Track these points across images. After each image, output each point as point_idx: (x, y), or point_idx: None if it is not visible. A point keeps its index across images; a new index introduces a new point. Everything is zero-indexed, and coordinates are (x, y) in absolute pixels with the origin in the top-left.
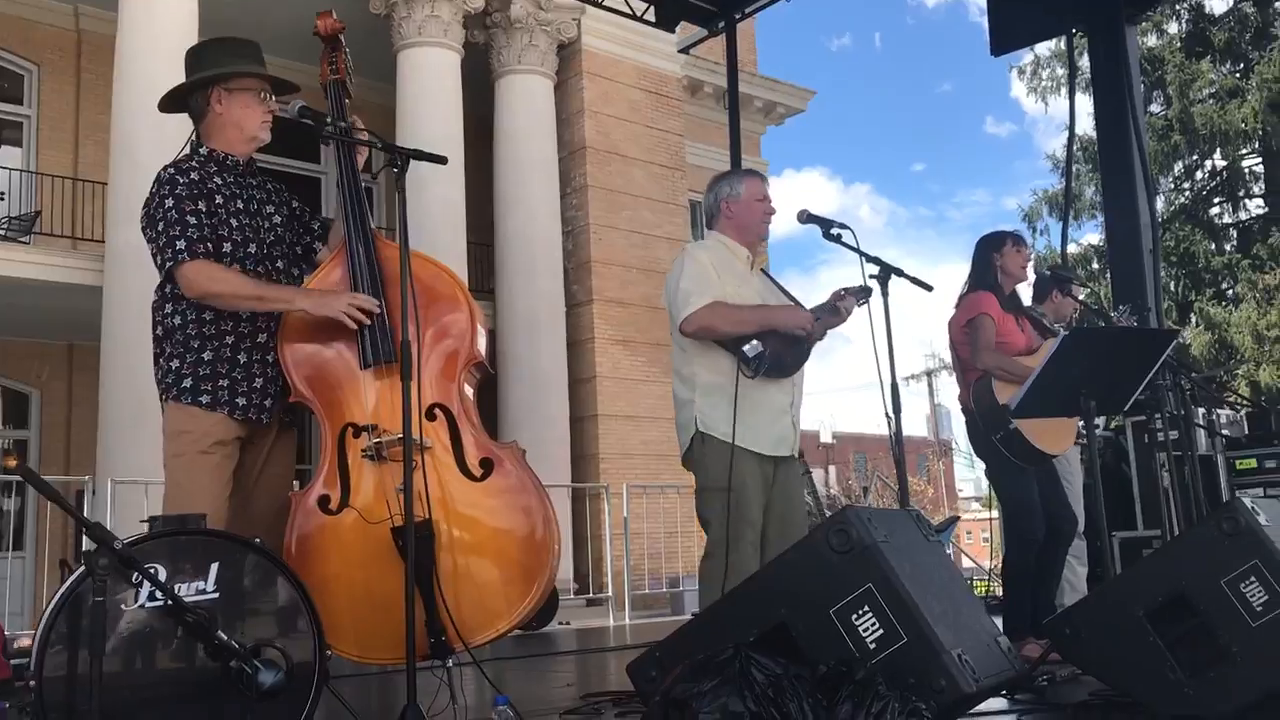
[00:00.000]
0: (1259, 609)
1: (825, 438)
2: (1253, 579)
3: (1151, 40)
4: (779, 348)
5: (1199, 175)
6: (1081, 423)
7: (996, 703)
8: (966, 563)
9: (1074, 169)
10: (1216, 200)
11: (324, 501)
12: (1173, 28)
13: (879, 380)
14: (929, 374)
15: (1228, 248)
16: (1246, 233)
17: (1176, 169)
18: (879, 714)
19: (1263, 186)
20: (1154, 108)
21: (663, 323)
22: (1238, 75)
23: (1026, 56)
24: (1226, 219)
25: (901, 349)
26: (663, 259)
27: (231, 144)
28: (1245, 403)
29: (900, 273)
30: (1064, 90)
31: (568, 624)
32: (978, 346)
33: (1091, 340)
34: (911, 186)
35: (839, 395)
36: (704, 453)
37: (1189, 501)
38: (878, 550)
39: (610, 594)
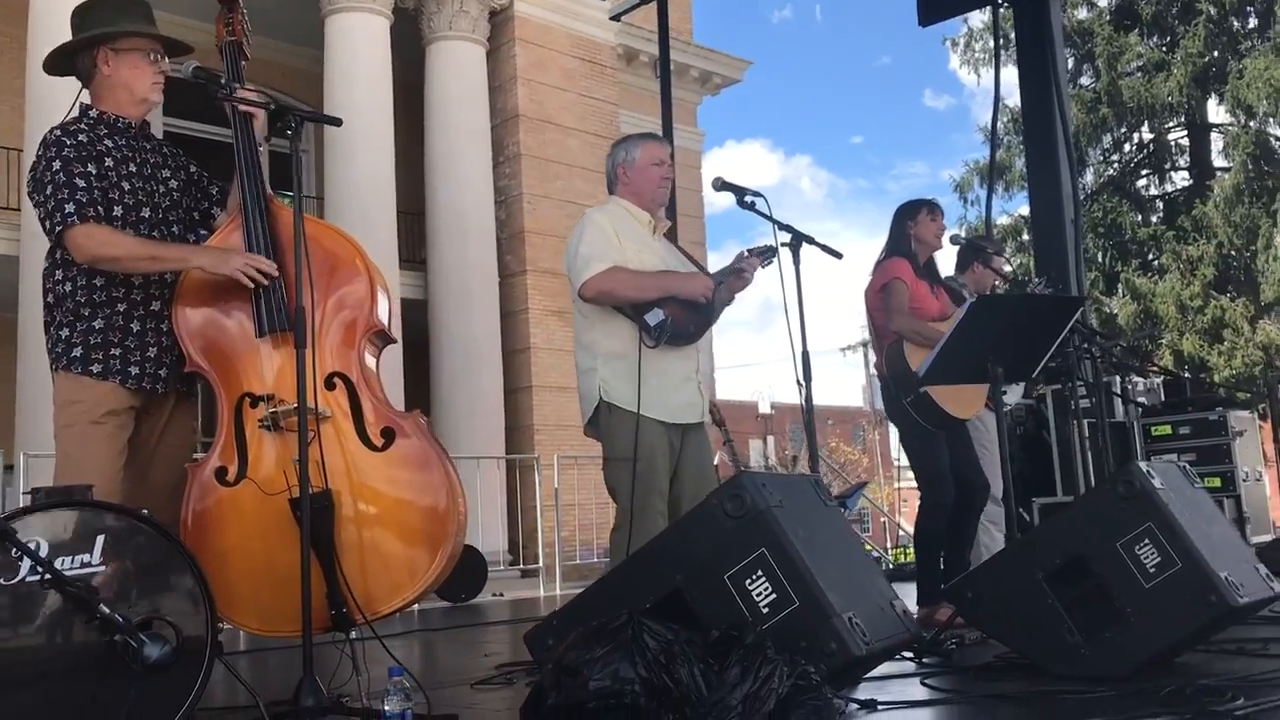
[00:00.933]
0: (1152, 570)
1: (764, 409)
2: (1146, 541)
3: (1082, 13)
4: (681, 314)
5: (1127, 148)
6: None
7: (903, 665)
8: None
9: (1005, 141)
10: (1144, 173)
11: (221, 473)
12: (1103, 0)
13: (790, 349)
14: (865, 344)
15: (1154, 219)
16: (1172, 205)
17: (1105, 141)
18: (767, 677)
19: (1188, 159)
20: (1084, 80)
21: None
22: (1164, 49)
23: (960, 29)
24: (1154, 191)
25: (842, 320)
26: None
27: (121, 106)
28: (1164, 372)
29: (811, 240)
30: (1006, 65)
31: (500, 595)
32: (890, 311)
33: (998, 307)
34: (851, 159)
35: (780, 366)
36: (610, 423)
37: (1103, 467)
38: (771, 515)
39: (542, 565)
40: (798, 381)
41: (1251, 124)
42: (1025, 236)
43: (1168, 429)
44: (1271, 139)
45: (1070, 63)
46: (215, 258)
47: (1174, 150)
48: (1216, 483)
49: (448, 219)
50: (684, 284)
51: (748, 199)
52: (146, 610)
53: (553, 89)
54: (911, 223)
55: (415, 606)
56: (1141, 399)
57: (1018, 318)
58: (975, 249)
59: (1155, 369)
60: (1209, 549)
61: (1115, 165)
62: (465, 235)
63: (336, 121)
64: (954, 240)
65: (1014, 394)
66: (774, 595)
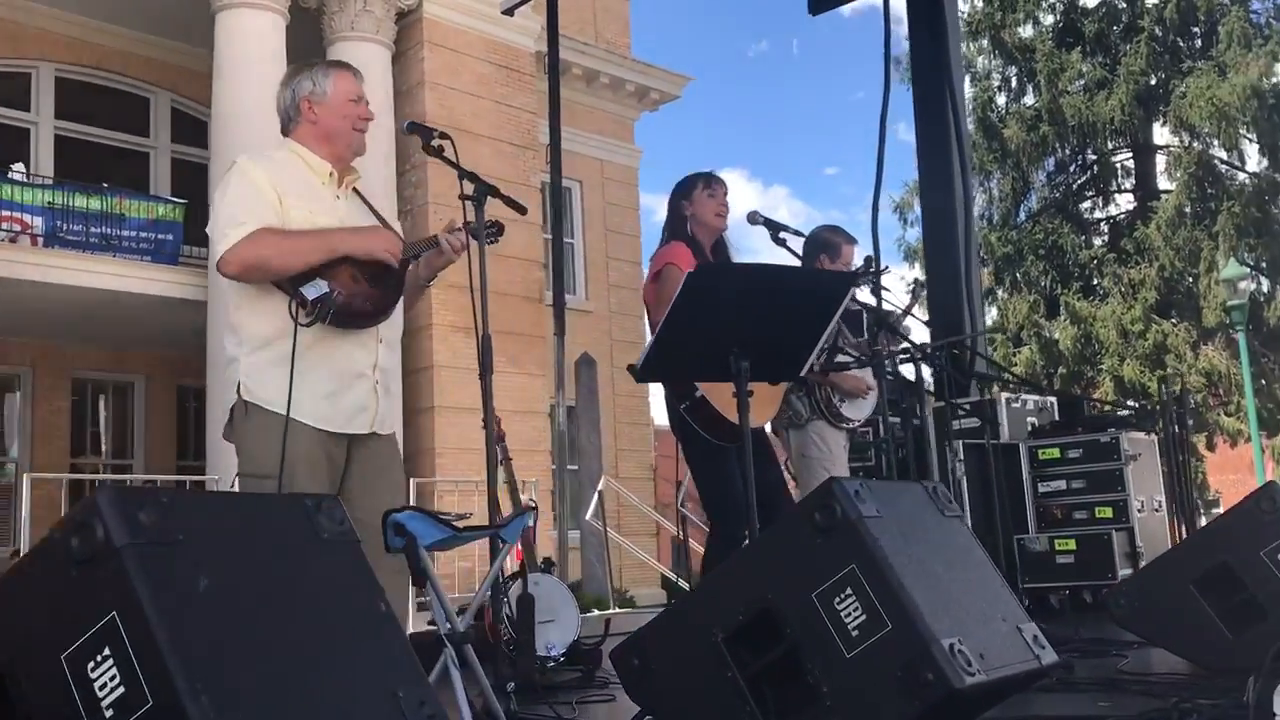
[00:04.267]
0: (855, 633)
1: None
2: (848, 592)
3: (1028, 31)
4: (355, 288)
5: (1072, 169)
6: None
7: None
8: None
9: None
10: (1088, 194)
11: None
12: (1048, 19)
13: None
14: None
15: (1097, 242)
16: (1116, 227)
17: (1049, 164)
18: None
19: (1133, 181)
20: (1028, 99)
21: (512, 308)
22: (1106, 67)
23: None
24: (1098, 214)
25: None
26: (512, 242)
27: None
28: (1022, 382)
29: (496, 192)
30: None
31: None
32: (662, 302)
33: (726, 281)
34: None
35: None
36: (246, 428)
37: (993, 496)
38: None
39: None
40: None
41: (1195, 144)
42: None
43: (1055, 452)
44: (1214, 160)
45: (1014, 81)
46: None
47: (1120, 172)
48: (1108, 513)
49: None
50: (359, 240)
51: (781, 235)
52: None
53: (464, 95)
54: (686, 201)
55: None
56: (1032, 418)
57: (761, 297)
58: (771, 226)
59: (1015, 380)
60: (939, 604)
61: (1060, 188)
62: None
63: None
64: (751, 219)
65: (865, 407)
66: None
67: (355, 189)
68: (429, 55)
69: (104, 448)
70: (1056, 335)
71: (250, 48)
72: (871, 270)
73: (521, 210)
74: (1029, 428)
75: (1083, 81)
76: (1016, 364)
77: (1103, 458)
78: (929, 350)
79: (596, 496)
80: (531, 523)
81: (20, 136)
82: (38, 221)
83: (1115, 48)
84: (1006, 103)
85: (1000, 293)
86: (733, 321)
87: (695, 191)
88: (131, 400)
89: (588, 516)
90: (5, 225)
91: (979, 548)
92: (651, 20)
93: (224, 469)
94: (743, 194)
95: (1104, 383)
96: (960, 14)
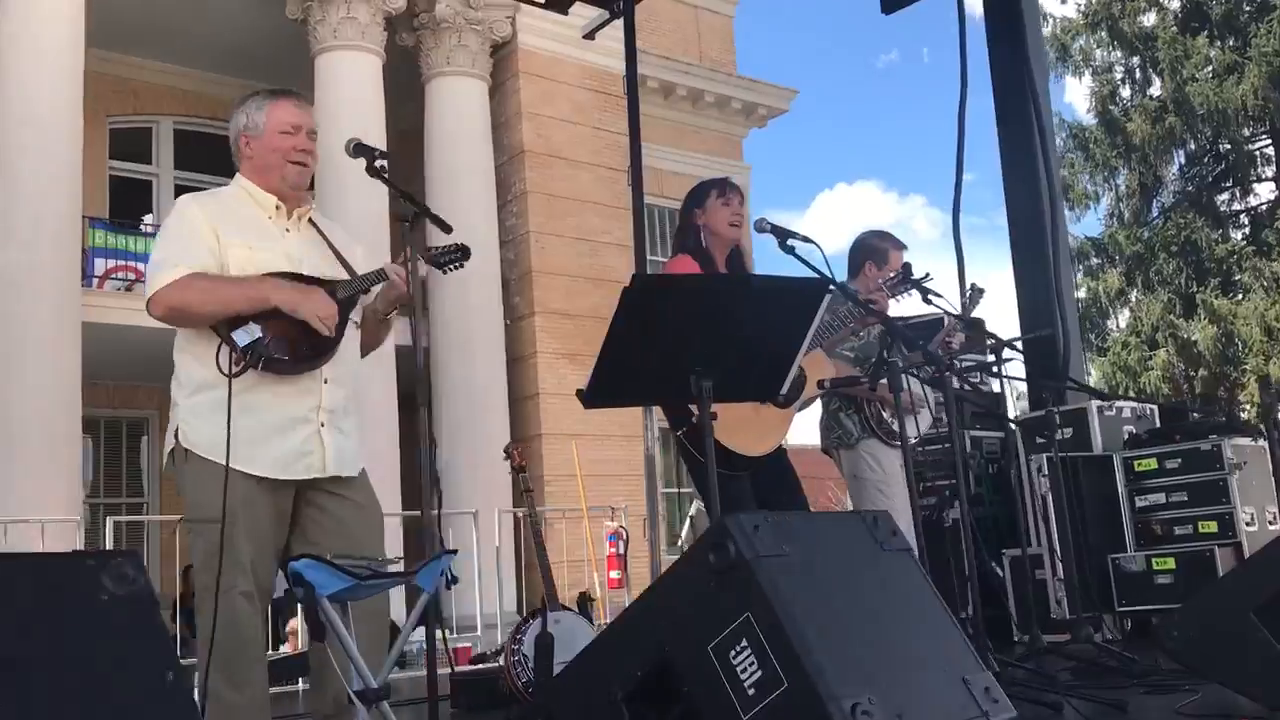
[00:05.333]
0: (751, 692)
1: None
2: (744, 644)
3: (1149, 19)
4: (290, 332)
5: (1206, 160)
6: (801, 409)
7: None
8: None
9: (1065, 158)
10: (1224, 186)
11: None
12: (1172, 4)
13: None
14: None
15: (1236, 235)
16: (1256, 219)
17: (1180, 156)
18: None
19: (1274, 169)
20: (1153, 90)
21: None
22: (1236, 51)
23: None
24: (1236, 205)
25: None
26: (613, 267)
27: None
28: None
29: (427, 212)
30: (1053, 75)
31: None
32: None
33: (677, 293)
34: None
35: None
36: (185, 473)
37: (1075, 512)
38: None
39: None
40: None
41: None
42: (1094, 260)
43: (1152, 463)
44: None
45: (1137, 72)
46: None
47: (1258, 160)
48: (1212, 527)
49: None
50: (289, 296)
51: (790, 243)
52: None
53: (561, 122)
54: (699, 210)
55: None
56: (1129, 427)
57: (722, 309)
58: (779, 234)
59: (1081, 388)
60: (850, 656)
61: (1193, 180)
62: (466, 279)
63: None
64: (759, 227)
65: (919, 423)
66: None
67: (312, 219)
68: (524, 85)
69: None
70: (1194, 336)
71: (347, 90)
72: (919, 278)
73: (446, 229)
74: (1125, 437)
75: (1211, 68)
76: (1152, 368)
77: (1204, 467)
78: (992, 351)
79: (688, 522)
80: (443, 575)
81: (143, 189)
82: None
83: (1245, 29)
84: (1131, 95)
85: (1132, 294)
86: (690, 337)
87: (709, 200)
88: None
89: (680, 543)
90: (121, 275)
91: (927, 586)
92: (763, 38)
93: None
94: (878, 205)
95: (1248, 384)
96: (1077, 5)
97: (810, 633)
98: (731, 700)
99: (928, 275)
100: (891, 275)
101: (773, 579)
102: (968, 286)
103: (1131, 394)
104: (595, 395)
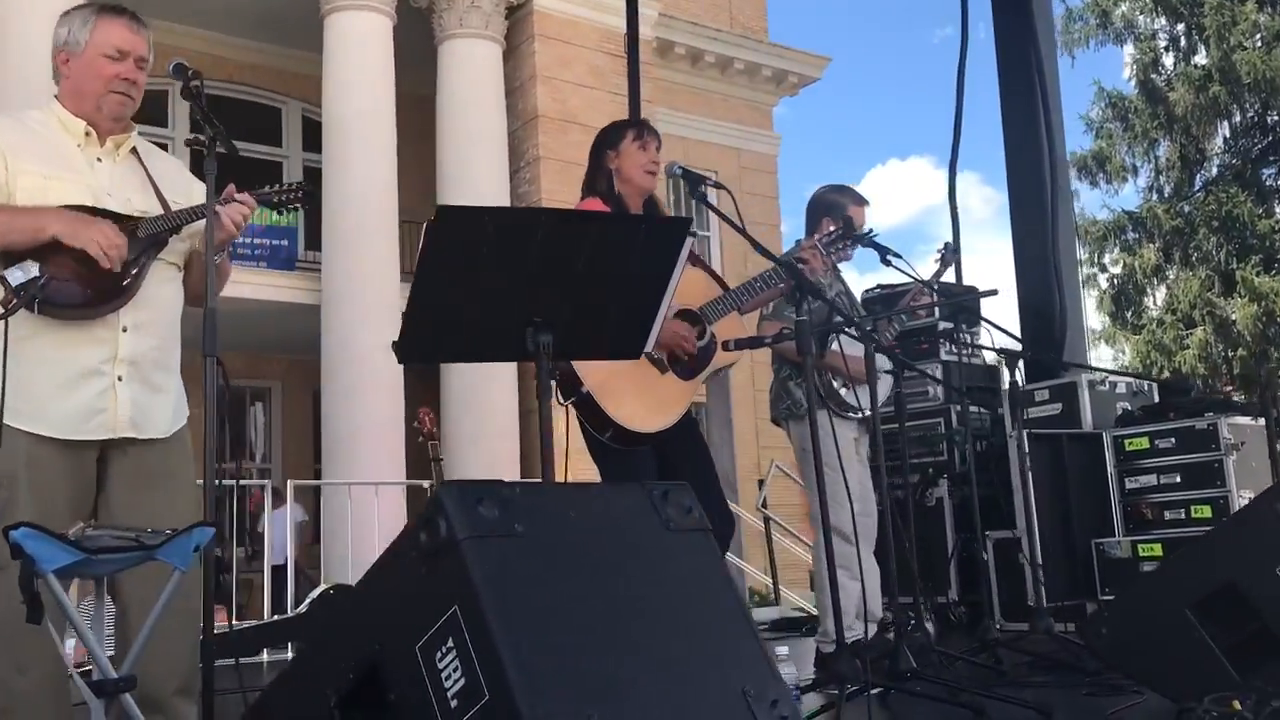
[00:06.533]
0: (454, 704)
1: None
2: (450, 645)
3: None
4: (77, 272)
5: (1253, 133)
6: (704, 378)
7: None
8: None
9: (1105, 128)
10: (1271, 159)
11: None
12: None
13: None
14: None
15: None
16: None
17: (1224, 128)
18: None
19: None
20: (1198, 58)
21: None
22: None
23: (1057, 9)
24: None
25: None
26: None
27: None
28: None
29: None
30: (1092, 43)
31: None
32: None
33: (492, 229)
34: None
35: None
36: None
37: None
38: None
39: None
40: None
41: None
42: (1131, 234)
43: (1144, 442)
44: None
45: (1181, 40)
46: None
47: None
48: (1206, 512)
49: None
50: (69, 225)
51: (701, 189)
52: None
53: (577, 87)
54: (613, 152)
55: None
56: (1123, 404)
57: (563, 251)
58: (690, 178)
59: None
60: (578, 663)
61: (1239, 153)
62: None
63: None
64: (669, 171)
65: (880, 387)
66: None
67: (135, 151)
68: (540, 49)
69: (256, 454)
70: (1233, 315)
71: (356, 50)
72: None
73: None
74: (1118, 414)
75: (1260, 35)
76: (1188, 346)
77: (1199, 447)
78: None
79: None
80: (197, 550)
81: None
82: None
83: None
84: (1175, 63)
85: (1170, 270)
86: (520, 283)
87: (624, 142)
88: (269, 405)
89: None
90: None
91: (719, 576)
92: (803, 5)
93: (339, 472)
94: (929, 181)
95: None
96: None
97: (524, 633)
98: (435, 712)
99: (871, 232)
100: (830, 231)
101: (488, 565)
102: (941, 245)
103: (1166, 373)
104: (408, 350)
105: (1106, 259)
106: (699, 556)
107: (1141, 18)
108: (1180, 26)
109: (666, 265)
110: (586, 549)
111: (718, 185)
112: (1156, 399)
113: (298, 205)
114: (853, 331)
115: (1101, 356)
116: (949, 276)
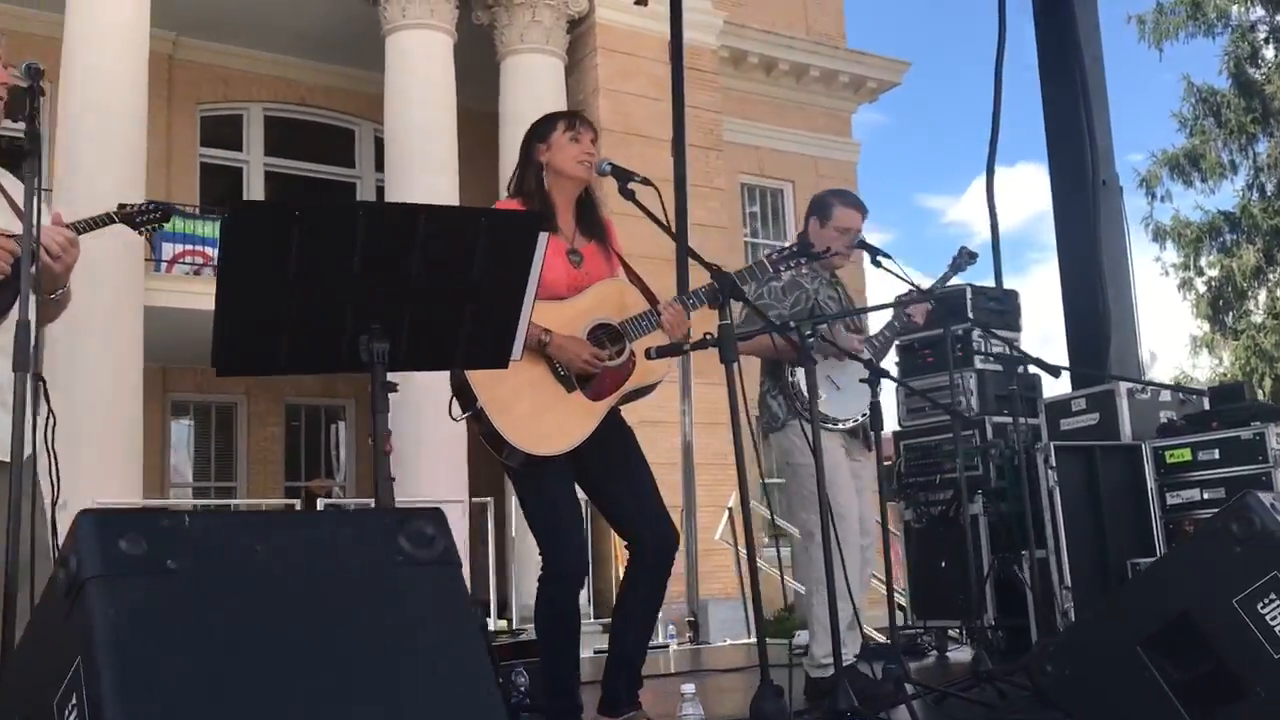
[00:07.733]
0: None
1: None
2: (74, 699)
3: None
4: None
5: None
6: (618, 399)
7: None
8: None
9: (1199, 125)
10: None
11: None
12: None
13: None
14: None
15: None
16: None
17: None
18: None
19: None
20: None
21: (699, 320)
22: None
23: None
24: None
25: None
26: (697, 246)
27: None
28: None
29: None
30: (1181, 34)
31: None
32: None
33: (299, 227)
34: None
35: None
36: None
37: (1099, 510)
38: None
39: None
40: None
41: None
42: (1228, 235)
43: (1186, 454)
44: None
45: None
46: None
47: None
48: None
49: None
50: None
51: (629, 187)
52: None
53: (640, 99)
54: (543, 145)
55: None
56: (1168, 413)
57: (385, 248)
58: (619, 174)
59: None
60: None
61: None
62: None
63: None
64: (599, 170)
65: (851, 405)
66: None
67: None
68: (603, 61)
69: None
70: None
71: (417, 68)
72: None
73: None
74: (1160, 423)
75: None
76: None
77: (1245, 459)
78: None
79: (726, 514)
80: None
81: (234, 176)
82: (215, 253)
83: None
84: (1275, 56)
85: (1272, 273)
86: (346, 286)
87: (554, 134)
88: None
89: (716, 536)
90: (188, 260)
91: (455, 616)
92: (879, 5)
93: (406, 489)
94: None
95: None
96: None
97: (150, 696)
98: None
99: (829, 250)
100: (784, 248)
101: (118, 611)
102: (958, 251)
103: (1269, 380)
104: (226, 361)
105: (1203, 261)
106: (433, 593)
107: (1235, 8)
108: (1263, 23)
109: (521, 264)
110: (267, 590)
111: (645, 182)
112: (1207, 407)
113: (158, 226)
114: (794, 335)
115: (1200, 364)
116: (967, 278)
